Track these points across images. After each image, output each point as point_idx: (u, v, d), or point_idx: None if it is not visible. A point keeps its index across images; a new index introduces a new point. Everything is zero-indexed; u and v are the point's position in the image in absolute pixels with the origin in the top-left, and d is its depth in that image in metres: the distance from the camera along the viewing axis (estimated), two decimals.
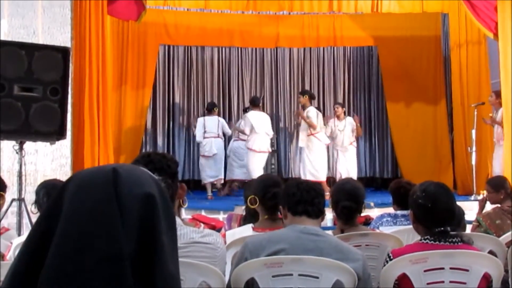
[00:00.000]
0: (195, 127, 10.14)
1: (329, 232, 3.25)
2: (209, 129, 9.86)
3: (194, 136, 10.68)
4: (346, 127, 9.90)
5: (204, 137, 9.86)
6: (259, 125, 9.46)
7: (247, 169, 9.63)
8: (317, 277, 2.57)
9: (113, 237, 1.04)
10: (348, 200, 3.48)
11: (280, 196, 3.11)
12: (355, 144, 10.14)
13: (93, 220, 1.05)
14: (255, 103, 9.77)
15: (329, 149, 10.04)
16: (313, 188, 2.82)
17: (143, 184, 1.11)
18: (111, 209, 1.05)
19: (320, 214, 2.79)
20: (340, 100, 11.73)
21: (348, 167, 9.91)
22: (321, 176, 9.37)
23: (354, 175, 9.61)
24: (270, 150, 9.93)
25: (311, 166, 9.43)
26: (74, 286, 1.01)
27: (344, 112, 10.18)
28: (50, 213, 1.10)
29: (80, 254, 1.03)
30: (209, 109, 10.07)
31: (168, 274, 1.09)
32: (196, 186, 10.85)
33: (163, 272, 1.08)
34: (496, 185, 4.88)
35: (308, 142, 9.50)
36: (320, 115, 9.73)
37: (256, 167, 9.32)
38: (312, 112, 9.45)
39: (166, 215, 1.12)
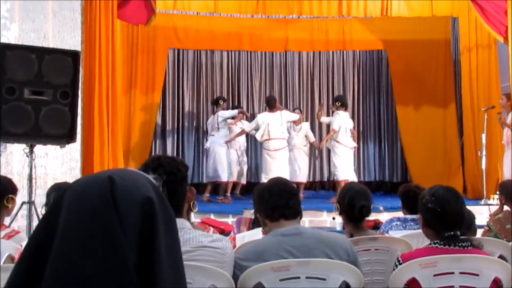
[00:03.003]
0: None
1: None
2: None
3: (202, 139, 10.72)
4: (302, 130, 10.42)
5: None
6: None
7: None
8: (324, 279, 2.58)
9: (116, 246, 1.03)
10: (364, 199, 3.50)
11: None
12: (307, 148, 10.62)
13: (92, 230, 1.04)
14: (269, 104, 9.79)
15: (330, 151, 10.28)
16: (285, 190, 2.79)
17: (139, 189, 1.11)
18: (110, 218, 1.05)
19: (297, 215, 2.77)
20: (349, 104, 11.64)
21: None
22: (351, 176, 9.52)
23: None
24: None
25: (340, 167, 9.59)
26: None
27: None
28: (47, 224, 1.09)
29: (81, 265, 1.02)
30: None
31: (164, 280, 1.08)
32: (204, 189, 10.82)
33: (159, 277, 1.07)
34: (499, 188, 4.91)
35: (333, 146, 9.77)
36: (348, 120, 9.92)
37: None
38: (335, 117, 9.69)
39: (165, 217, 1.12)
